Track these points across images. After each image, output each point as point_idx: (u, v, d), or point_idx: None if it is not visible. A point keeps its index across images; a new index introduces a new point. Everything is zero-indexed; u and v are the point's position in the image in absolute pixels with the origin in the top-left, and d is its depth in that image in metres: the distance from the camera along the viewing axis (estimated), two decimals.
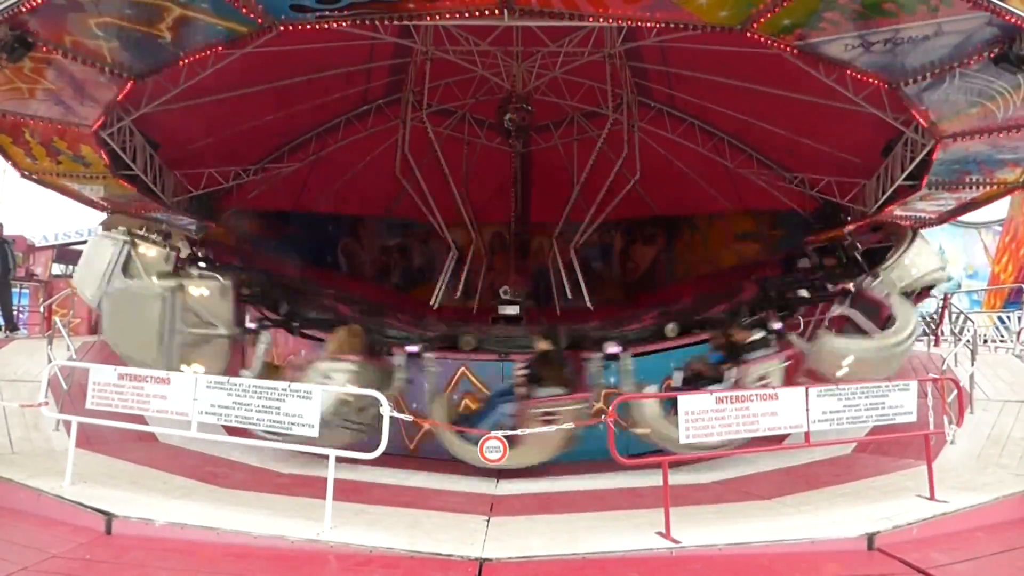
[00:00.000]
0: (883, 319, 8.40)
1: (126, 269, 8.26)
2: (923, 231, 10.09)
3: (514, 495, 7.33)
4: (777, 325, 9.04)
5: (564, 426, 7.46)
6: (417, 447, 10.09)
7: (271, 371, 8.50)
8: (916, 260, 8.85)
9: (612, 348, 9.29)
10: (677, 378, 8.77)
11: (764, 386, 7.80)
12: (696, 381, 8.38)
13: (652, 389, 8.53)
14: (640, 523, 5.45)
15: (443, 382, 9.92)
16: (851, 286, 9.09)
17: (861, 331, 8.47)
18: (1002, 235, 21.94)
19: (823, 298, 9.66)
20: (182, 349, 8.18)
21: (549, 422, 7.75)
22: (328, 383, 7.77)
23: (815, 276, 10.12)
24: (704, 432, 5.49)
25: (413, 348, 9.40)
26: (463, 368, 10.25)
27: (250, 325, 9.23)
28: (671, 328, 10.22)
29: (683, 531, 5.01)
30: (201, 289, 8.41)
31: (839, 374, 7.99)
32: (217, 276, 8.73)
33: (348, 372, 8.05)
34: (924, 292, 9.54)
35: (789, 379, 8.11)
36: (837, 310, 9.09)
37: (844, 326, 8.75)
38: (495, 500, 7.00)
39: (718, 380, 8.21)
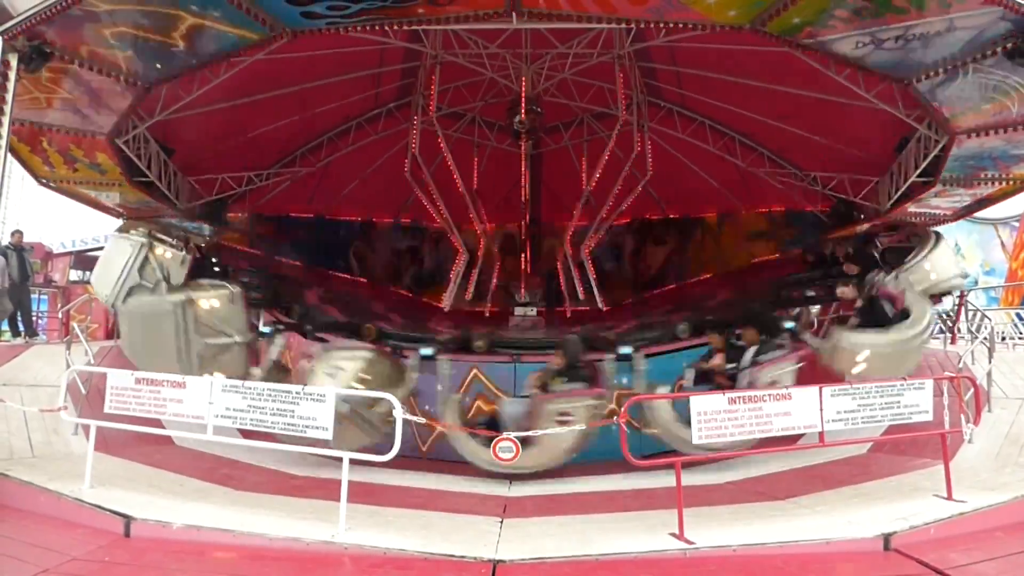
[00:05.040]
0: (897, 312, 8.30)
1: (142, 270, 8.35)
2: (939, 227, 10.01)
3: (527, 496, 7.33)
4: (789, 324, 8.95)
5: (578, 427, 7.45)
6: (430, 449, 10.14)
7: (281, 372, 8.56)
8: (936, 264, 8.69)
9: (624, 348, 9.26)
10: (689, 377, 8.73)
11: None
12: (708, 380, 8.35)
13: (664, 390, 8.49)
14: (653, 524, 5.44)
15: (456, 384, 9.97)
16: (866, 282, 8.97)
17: (875, 325, 8.33)
18: (1019, 231, 21.69)
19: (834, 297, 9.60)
20: (201, 361, 8.25)
21: (564, 421, 7.71)
22: (338, 372, 7.90)
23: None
24: (717, 432, 5.46)
25: (427, 351, 9.39)
26: (475, 370, 10.30)
27: (264, 329, 9.30)
28: (682, 328, 10.20)
29: (697, 532, 4.99)
30: (211, 300, 8.47)
31: (855, 371, 7.90)
32: (226, 284, 8.79)
33: (361, 360, 8.07)
34: (937, 297, 9.35)
35: (802, 381, 8.03)
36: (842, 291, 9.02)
37: (855, 319, 8.64)
38: (508, 502, 7.01)
39: (731, 378, 8.18)
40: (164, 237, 8.85)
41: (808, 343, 8.80)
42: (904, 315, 8.19)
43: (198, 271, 8.96)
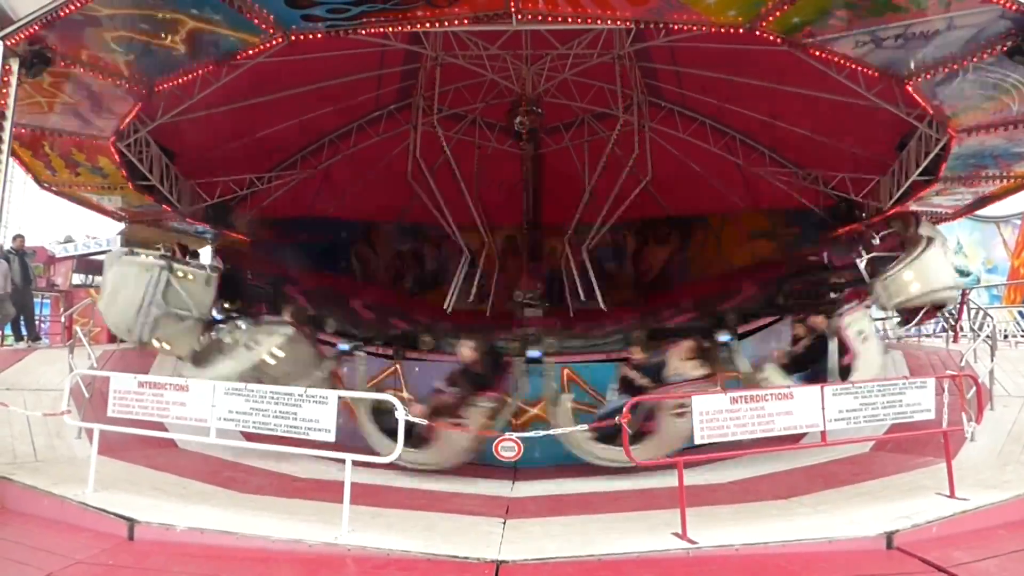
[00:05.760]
0: (846, 364, 8.05)
1: (167, 297, 8.53)
2: (940, 225, 9.98)
3: (529, 497, 7.35)
4: (725, 337, 8.81)
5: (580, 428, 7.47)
6: None
7: (216, 348, 8.85)
8: (922, 273, 8.29)
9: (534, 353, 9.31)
10: (611, 393, 8.76)
11: (680, 414, 7.65)
12: (629, 389, 8.38)
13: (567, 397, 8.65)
14: (656, 524, 5.44)
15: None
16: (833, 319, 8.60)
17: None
18: (1021, 229, 21.69)
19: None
20: (155, 324, 8.46)
21: (458, 424, 7.96)
22: (255, 346, 8.26)
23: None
24: (719, 432, 5.47)
25: (344, 345, 9.61)
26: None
27: (216, 315, 9.46)
28: (636, 337, 10.21)
29: (699, 532, 4.99)
30: (188, 274, 8.73)
31: None
32: (205, 266, 9.09)
33: (279, 336, 8.35)
34: (932, 311, 8.92)
35: None
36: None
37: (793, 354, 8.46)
38: (511, 502, 7.01)
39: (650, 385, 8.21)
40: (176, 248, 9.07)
41: (738, 367, 8.75)
42: (845, 372, 7.97)
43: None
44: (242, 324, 9.51)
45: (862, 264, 8.72)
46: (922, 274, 8.32)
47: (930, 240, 8.57)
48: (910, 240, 8.72)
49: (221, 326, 9.54)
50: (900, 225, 9.16)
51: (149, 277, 8.40)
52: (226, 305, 10.10)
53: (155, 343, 8.52)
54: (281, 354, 8.46)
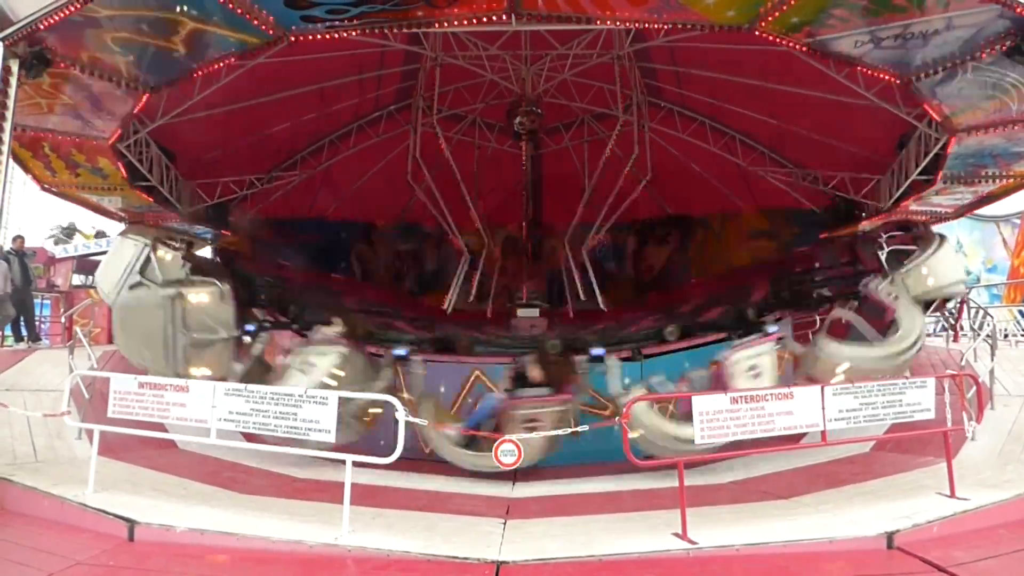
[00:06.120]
0: (885, 324, 8.19)
1: (144, 270, 8.58)
2: (940, 225, 10.00)
3: (530, 498, 7.34)
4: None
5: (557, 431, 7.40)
6: (432, 451, 10.11)
7: (262, 369, 8.71)
8: (936, 269, 8.55)
9: (597, 351, 9.28)
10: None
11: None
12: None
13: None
14: (656, 524, 5.45)
15: (457, 384, 10.00)
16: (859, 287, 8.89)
17: (862, 337, 8.29)
18: (1021, 228, 21.69)
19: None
20: (187, 354, 8.42)
21: (532, 428, 7.79)
22: (311, 369, 8.07)
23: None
24: (719, 432, 5.47)
25: (401, 350, 9.39)
26: (477, 371, 10.30)
27: (249, 326, 9.38)
28: (670, 331, 10.21)
29: (700, 532, 4.99)
30: (200, 296, 8.68)
31: (833, 381, 7.83)
32: (215, 282, 8.96)
33: (335, 355, 8.15)
34: (941, 303, 9.23)
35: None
36: (837, 313, 8.95)
37: (845, 331, 8.57)
38: (511, 503, 7.01)
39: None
40: (167, 240, 9.01)
41: (788, 347, 8.81)
42: (892, 328, 8.06)
43: (194, 271, 9.12)
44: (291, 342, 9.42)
45: (883, 256, 9.03)
46: (936, 269, 8.56)
47: (942, 239, 8.94)
48: (923, 237, 9.06)
49: (254, 340, 9.32)
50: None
51: (165, 312, 8.37)
52: (256, 313, 10.00)
53: (192, 371, 8.34)
54: (341, 374, 8.17)
